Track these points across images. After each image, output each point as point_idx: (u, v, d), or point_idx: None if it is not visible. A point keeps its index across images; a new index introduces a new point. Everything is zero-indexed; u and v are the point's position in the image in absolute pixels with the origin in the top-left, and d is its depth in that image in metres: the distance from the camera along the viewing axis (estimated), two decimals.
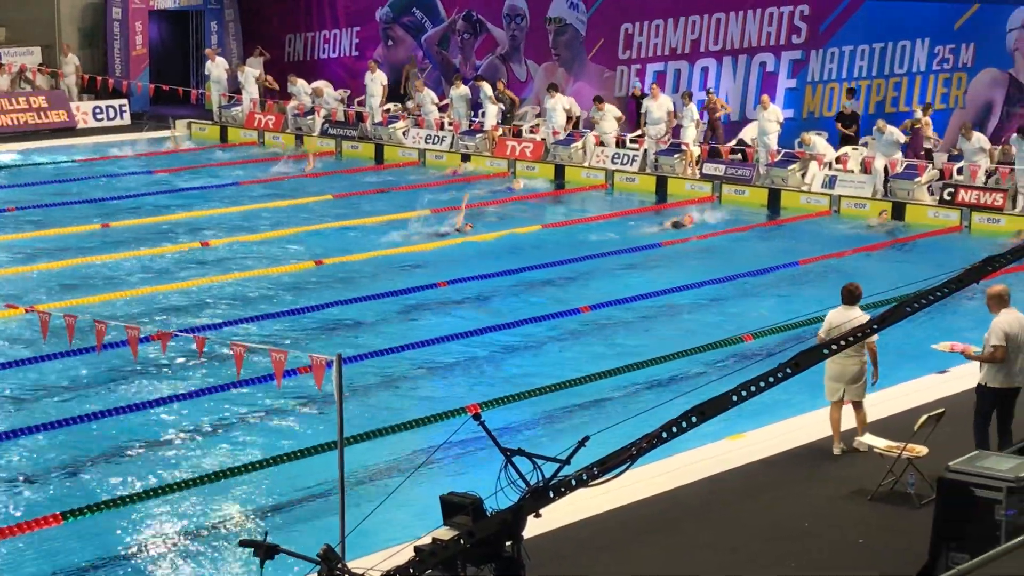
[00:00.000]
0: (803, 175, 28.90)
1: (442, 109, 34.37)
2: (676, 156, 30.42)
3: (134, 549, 12.25)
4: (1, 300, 19.36)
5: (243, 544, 7.88)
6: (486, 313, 20.06)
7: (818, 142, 29.05)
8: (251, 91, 36.50)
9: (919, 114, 28.78)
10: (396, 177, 31.68)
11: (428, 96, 34.38)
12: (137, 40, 39.43)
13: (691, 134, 30.33)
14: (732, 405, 8.59)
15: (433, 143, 33.65)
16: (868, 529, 12.28)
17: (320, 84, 36.64)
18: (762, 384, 8.67)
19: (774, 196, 28.75)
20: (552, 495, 8.08)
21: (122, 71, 39.29)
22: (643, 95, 31.83)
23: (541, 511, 8.15)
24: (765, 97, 29.64)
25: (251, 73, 36.74)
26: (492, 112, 33.05)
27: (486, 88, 33.36)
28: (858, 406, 14.00)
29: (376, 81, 34.83)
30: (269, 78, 37.82)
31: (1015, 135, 26.93)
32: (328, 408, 14.97)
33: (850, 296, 13.85)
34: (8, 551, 12.07)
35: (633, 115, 32.64)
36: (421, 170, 32.63)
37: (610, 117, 31.68)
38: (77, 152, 33.70)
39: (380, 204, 28.06)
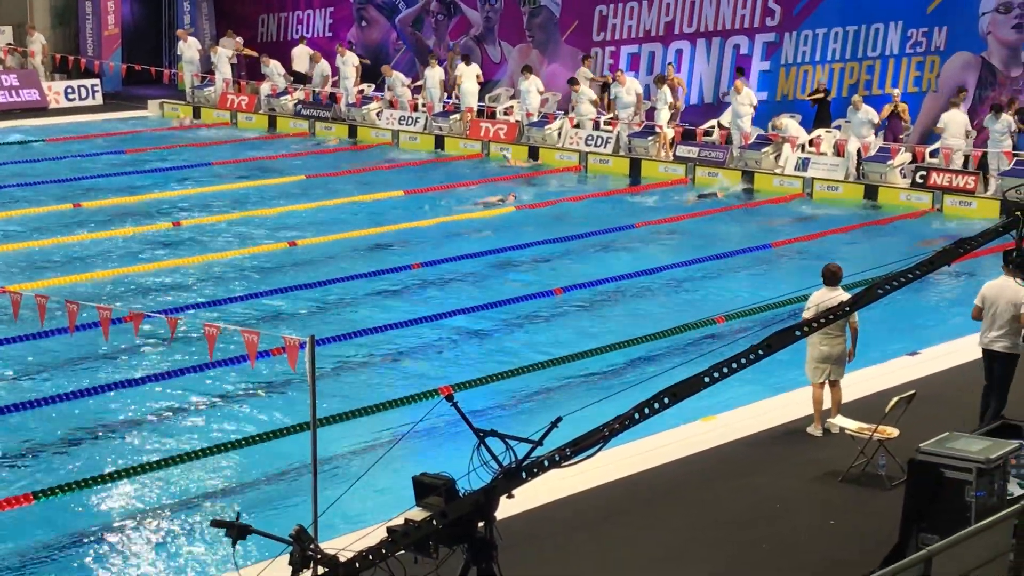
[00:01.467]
0: (776, 158, 28.95)
1: (416, 91, 34.33)
2: (649, 138, 30.43)
3: (106, 529, 12.22)
4: None
5: (215, 524, 7.87)
6: (459, 294, 20.05)
7: (791, 125, 29.12)
8: (224, 71, 36.31)
9: (896, 95, 28.85)
10: (370, 158, 31.60)
11: (398, 78, 34.28)
12: (109, 20, 39.22)
13: (664, 116, 30.34)
14: (704, 386, 8.62)
15: (407, 124, 33.57)
16: (839, 510, 12.34)
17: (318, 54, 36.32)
18: (735, 365, 8.70)
19: (747, 178, 28.81)
20: (525, 476, 8.10)
21: (94, 51, 39.08)
22: (613, 80, 31.76)
23: (514, 492, 8.16)
24: (739, 82, 29.65)
25: (224, 54, 36.55)
26: (472, 91, 32.98)
27: (440, 72, 33.27)
28: (836, 385, 14.10)
29: (348, 63, 34.72)
30: (238, 41, 37.71)
31: (989, 114, 27.08)
32: (301, 389, 14.95)
33: (832, 277, 13.95)
34: None
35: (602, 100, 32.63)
36: (395, 151, 32.58)
37: (586, 100, 31.66)
38: (48, 132, 33.48)
39: (353, 185, 28.01)
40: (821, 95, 29.76)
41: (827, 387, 14.12)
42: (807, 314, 13.56)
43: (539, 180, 29.90)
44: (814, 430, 14.18)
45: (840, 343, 13.92)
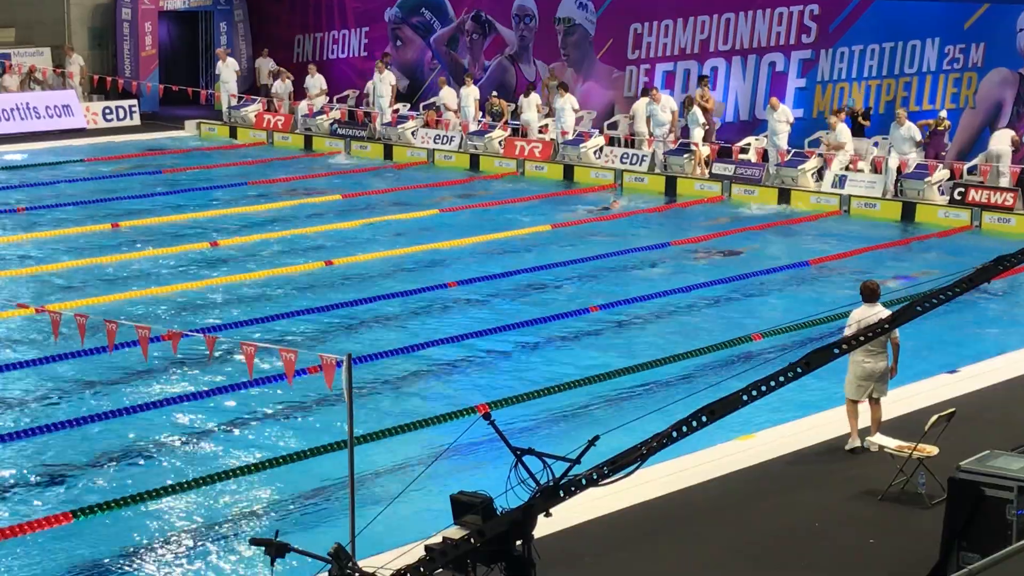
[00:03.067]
0: (820, 172, 28.69)
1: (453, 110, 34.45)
2: (685, 156, 30.41)
3: (144, 548, 12.26)
4: (13, 300, 19.41)
5: (254, 543, 7.89)
6: (495, 312, 20.06)
7: (843, 130, 28.76)
8: (278, 99, 36.69)
9: (942, 114, 28.73)
10: (405, 176, 31.68)
11: (449, 95, 34.41)
12: (147, 40, 39.51)
13: (698, 134, 30.33)
14: (743, 404, 8.59)
15: (442, 143, 33.66)
16: (879, 529, 12.27)
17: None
18: (773, 383, 8.67)
19: (784, 196, 28.72)
20: (562, 494, 8.09)
21: (132, 72, 39.37)
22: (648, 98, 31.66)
23: (551, 510, 8.15)
24: (774, 99, 29.62)
25: (286, 89, 36.84)
26: (533, 122, 32.85)
27: (536, 98, 33.24)
28: (877, 403, 14.01)
29: (385, 81, 34.89)
30: (276, 67, 38.14)
31: None
32: (338, 407, 14.99)
33: (871, 294, 13.87)
34: (20, 549, 12.09)
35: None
36: (430, 169, 32.65)
37: (666, 109, 31.25)
38: (86, 152, 33.74)
39: (388, 204, 28.10)
40: (864, 112, 29.66)
41: (866, 406, 14.04)
42: (848, 331, 13.49)
43: (574, 198, 29.90)
44: (851, 444, 14.10)
45: (883, 359, 13.85)
